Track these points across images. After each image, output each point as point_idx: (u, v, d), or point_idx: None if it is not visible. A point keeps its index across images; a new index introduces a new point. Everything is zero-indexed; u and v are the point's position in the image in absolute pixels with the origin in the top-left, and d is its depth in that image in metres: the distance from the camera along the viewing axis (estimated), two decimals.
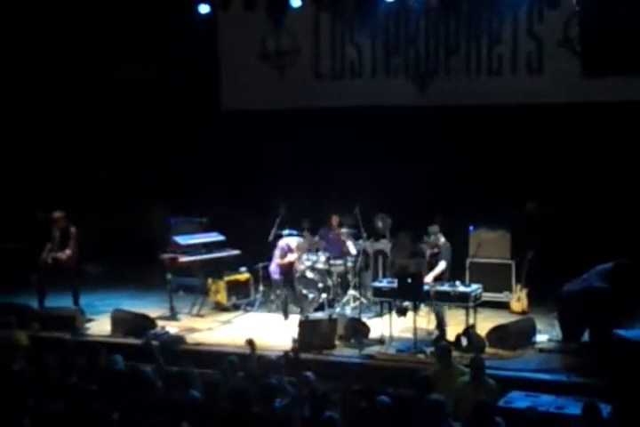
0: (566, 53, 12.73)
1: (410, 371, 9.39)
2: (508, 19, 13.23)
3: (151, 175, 15.04)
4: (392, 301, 11.19)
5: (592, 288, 10.47)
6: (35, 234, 12.96)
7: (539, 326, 11.19)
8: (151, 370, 8.70)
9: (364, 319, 11.49)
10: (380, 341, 10.92)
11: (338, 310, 12.37)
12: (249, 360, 9.34)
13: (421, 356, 10.34)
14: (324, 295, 12.45)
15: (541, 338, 10.95)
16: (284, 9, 13.18)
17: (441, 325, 10.93)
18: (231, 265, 13.22)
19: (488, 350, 10.44)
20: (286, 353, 9.42)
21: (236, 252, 13.08)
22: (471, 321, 10.74)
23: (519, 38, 13.36)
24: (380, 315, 11.35)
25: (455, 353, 9.62)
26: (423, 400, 7.45)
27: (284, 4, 13.10)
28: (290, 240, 12.50)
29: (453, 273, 11.42)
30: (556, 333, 10.94)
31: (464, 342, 10.48)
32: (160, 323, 11.77)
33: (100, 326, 11.91)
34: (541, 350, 10.56)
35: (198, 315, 12.59)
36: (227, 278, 12.96)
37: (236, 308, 12.94)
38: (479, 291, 10.97)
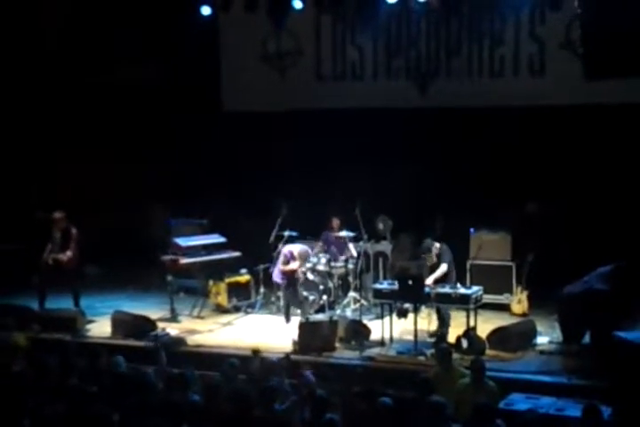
0: (568, 55, 12.69)
1: (410, 373, 9.41)
2: (509, 20, 13.22)
3: (151, 175, 15.01)
4: (393, 303, 11.21)
5: (593, 290, 10.47)
6: (34, 235, 12.95)
7: (539, 328, 11.20)
8: (152, 372, 8.70)
9: (365, 321, 11.49)
10: (381, 343, 10.91)
11: (338, 311, 12.34)
12: (250, 362, 9.32)
13: (422, 358, 10.34)
14: (324, 297, 12.43)
15: (542, 340, 10.94)
16: (286, 10, 13.19)
17: (445, 325, 10.93)
18: (232, 267, 13.19)
19: (489, 352, 10.45)
20: (287, 355, 9.41)
21: (237, 253, 13.09)
22: (472, 323, 10.73)
23: (521, 40, 13.33)
24: (380, 317, 11.33)
25: (456, 355, 9.63)
26: (424, 402, 7.45)
27: (285, 6, 13.10)
28: (293, 248, 12.42)
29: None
30: (557, 335, 10.94)
31: (464, 344, 10.47)
32: (161, 325, 11.76)
33: (101, 328, 11.89)
34: (542, 353, 10.57)
35: (199, 317, 12.58)
36: (227, 280, 12.93)
37: (236, 309, 12.92)
38: (480, 293, 10.96)
